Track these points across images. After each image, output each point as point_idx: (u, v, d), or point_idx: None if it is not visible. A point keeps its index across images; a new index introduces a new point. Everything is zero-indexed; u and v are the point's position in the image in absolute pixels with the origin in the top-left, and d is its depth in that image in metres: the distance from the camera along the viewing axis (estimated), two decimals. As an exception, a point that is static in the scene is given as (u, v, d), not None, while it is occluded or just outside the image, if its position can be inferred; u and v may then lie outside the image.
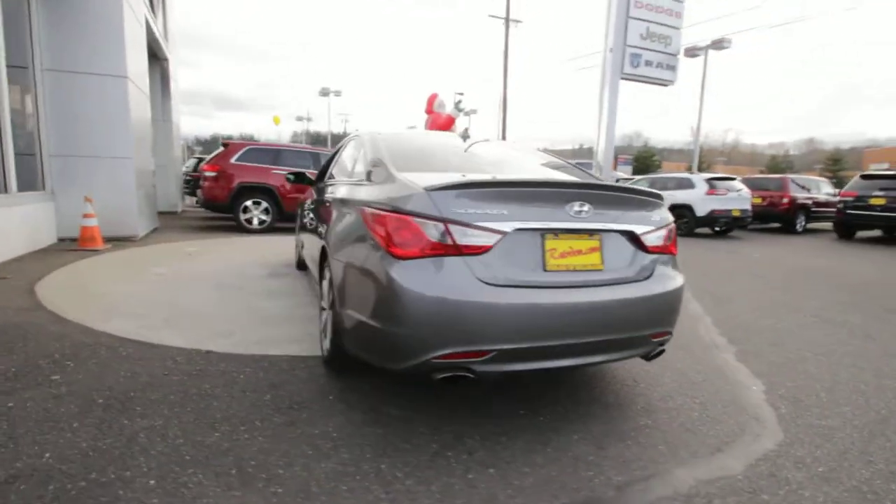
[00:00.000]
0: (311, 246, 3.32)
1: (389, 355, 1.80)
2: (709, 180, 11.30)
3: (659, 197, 2.14)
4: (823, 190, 13.43)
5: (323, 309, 2.65)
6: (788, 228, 12.35)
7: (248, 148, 7.93)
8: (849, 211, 10.53)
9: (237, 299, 3.75)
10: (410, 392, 2.26)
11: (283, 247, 6.50)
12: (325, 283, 2.56)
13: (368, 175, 2.40)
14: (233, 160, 7.74)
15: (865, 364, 2.95)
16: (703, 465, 1.82)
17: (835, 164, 46.70)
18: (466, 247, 1.73)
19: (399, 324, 1.71)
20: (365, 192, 2.15)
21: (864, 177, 10.85)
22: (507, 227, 1.77)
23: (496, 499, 1.55)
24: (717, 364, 2.90)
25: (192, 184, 12.26)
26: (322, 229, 2.79)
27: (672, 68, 13.15)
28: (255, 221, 7.93)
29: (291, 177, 4.24)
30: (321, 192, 3.60)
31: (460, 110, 21.62)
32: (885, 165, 33.08)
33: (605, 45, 13.49)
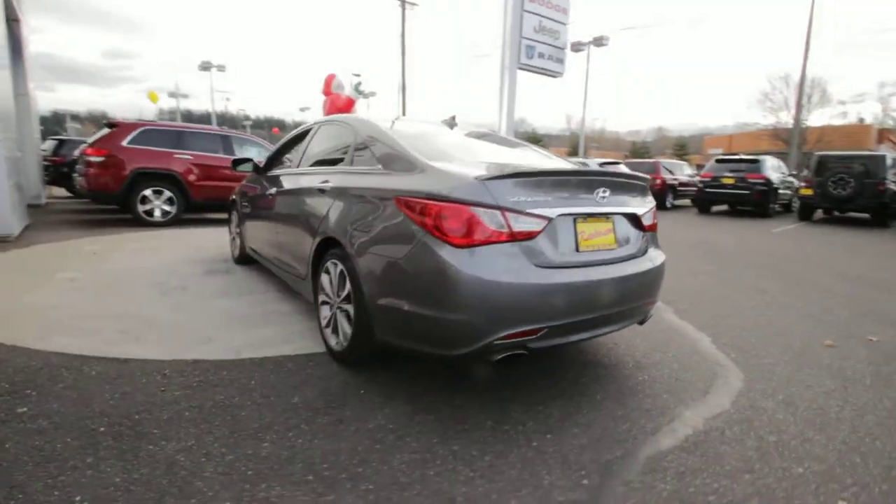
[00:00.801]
0: (286, 239, 3.11)
1: (448, 342, 1.84)
2: (601, 165, 12.65)
3: (647, 181, 2.44)
4: (685, 171, 15.80)
5: (325, 303, 2.54)
6: (659, 205, 14.30)
7: (142, 129, 6.87)
8: (707, 189, 12.57)
9: (189, 302, 3.36)
10: (434, 378, 2.31)
11: (204, 240, 5.86)
12: (329, 278, 2.46)
13: (370, 162, 2.35)
14: (124, 143, 6.66)
15: (770, 313, 3.69)
16: (703, 406, 2.18)
17: (681, 149, 54.83)
18: (520, 233, 1.82)
19: (462, 311, 1.76)
20: (392, 182, 2.10)
21: (718, 160, 13.00)
22: (552, 213, 1.90)
23: (568, 460, 1.72)
24: (668, 323, 3.39)
25: (51, 170, 10.26)
26: (312, 222, 2.64)
27: (561, 61, 14.38)
28: (158, 213, 6.97)
29: (238, 163, 3.86)
30: (279, 181, 3.37)
31: (360, 92, 21.08)
32: (720, 150, 39.69)
33: (503, 36, 14.25)
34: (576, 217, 2.02)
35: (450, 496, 1.50)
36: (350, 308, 2.25)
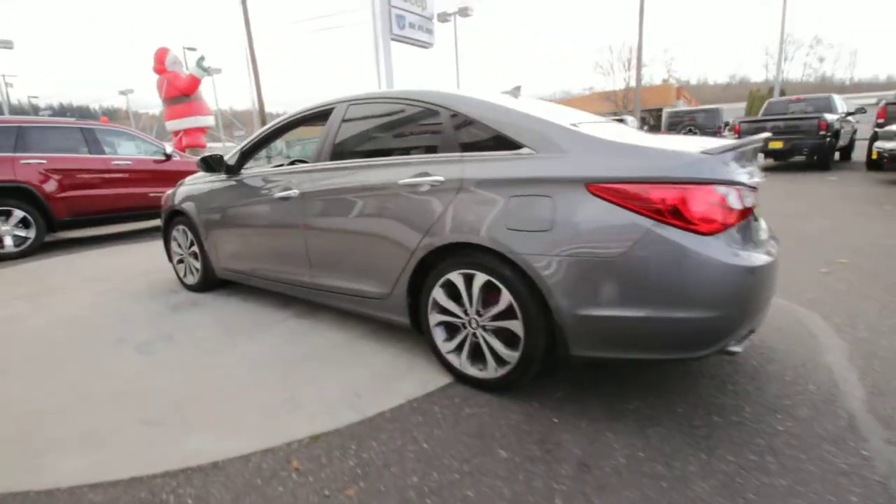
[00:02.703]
0: (337, 252, 2.45)
1: (696, 343, 1.60)
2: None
3: None
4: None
5: (443, 324, 2.09)
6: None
7: (-39, 127, 4.83)
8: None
9: (195, 356, 2.48)
10: (585, 383, 2.07)
11: (115, 268, 4.45)
12: (445, 294, 2.01)
13: (501, 145, 1.92)
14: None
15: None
16: (820, 342, 2.33)
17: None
18: (747, 209, 1.65)
19: (721, 306, 1.55)
20: (571, 167, 1.70)
21: (593, 121, 14.35)
22: (754, 183, 1.76)
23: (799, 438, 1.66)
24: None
25: None
26: (407, 228, 2.10)
27: (430, 31, 14.48)
28: (9, 242, 5.07)
29: (210, 163, 2.91)
30: (287, 180, 2.66)
31: (204, 69, 18.27)
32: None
33: (372, 7, 13.71)
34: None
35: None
36: (514, 325, 1.85)
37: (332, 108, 2.62)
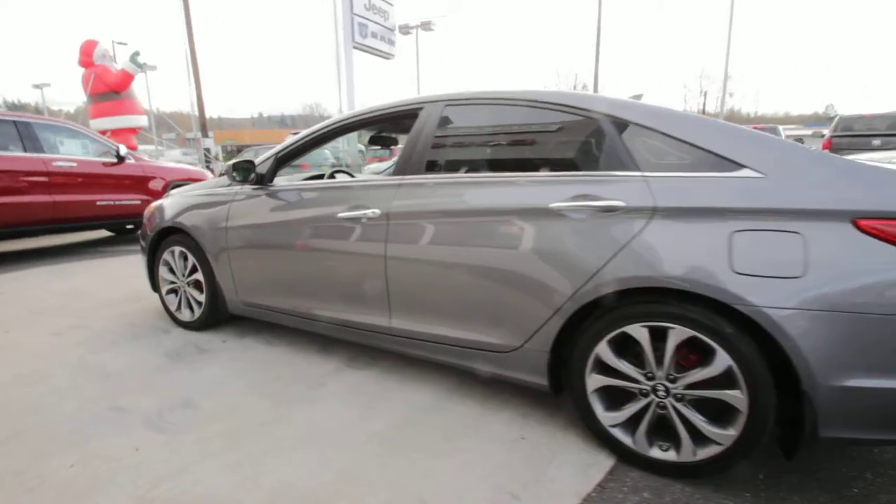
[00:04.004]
0: (438, 292, 1.90)
1: None
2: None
3: None
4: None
5: (603, 390, 1.63)
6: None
7: None
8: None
9: (247, 434, 1.80)
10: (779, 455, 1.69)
11: (52, 294, 3.47)
12: (609, 349, 1.56)
13: (703, 164, 1.52)
14: None
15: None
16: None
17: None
18: None
19: None
20: (824, 194, 1.33)
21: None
22: None
23: None
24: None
25: None
26: (559, 264, 1.62)
27: (392, 42, 14.33)
28: None
29: (244, 170, 2.24)
30: (359, 195, 2.11)
31: (139, 65, 16.62)
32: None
33: (334, 14, 13.24)
34: None
35: None
36: (732, 396, 1.42)
37: (420, 109, 2.09)
